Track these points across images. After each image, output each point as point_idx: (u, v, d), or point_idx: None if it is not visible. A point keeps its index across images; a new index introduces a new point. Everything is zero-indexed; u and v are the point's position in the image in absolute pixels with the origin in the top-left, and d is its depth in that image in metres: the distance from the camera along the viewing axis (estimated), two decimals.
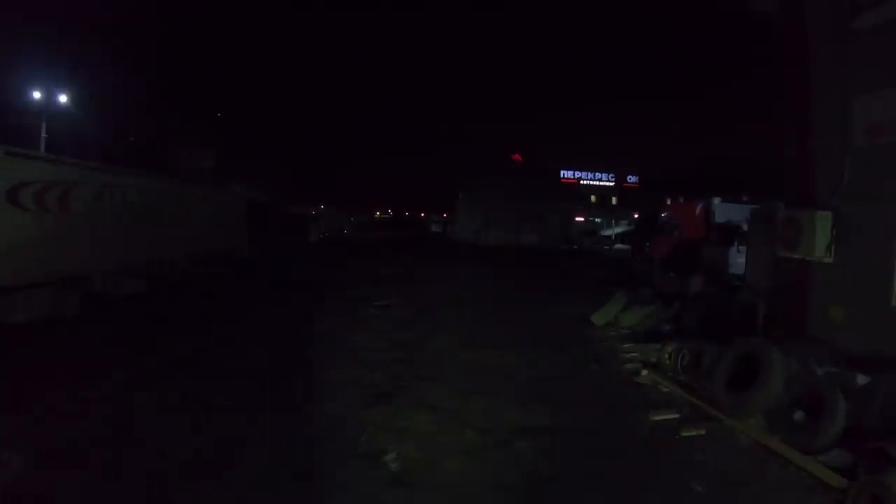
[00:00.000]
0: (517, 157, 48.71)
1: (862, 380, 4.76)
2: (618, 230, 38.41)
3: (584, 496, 3.92)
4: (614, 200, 51.13)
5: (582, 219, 47.49)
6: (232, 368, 6.67)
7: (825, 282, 5.86)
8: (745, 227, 9.95)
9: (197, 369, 6.62)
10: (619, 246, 33.36)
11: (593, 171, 51.16)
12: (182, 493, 3.71)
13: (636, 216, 32.20)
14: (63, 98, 22.39)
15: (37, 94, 21.63)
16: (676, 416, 5.38)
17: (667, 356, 6.73)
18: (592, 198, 50.94)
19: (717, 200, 13.42)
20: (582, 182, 51.11)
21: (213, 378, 6.24)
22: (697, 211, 13.84)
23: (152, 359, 6.99)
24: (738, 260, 10.53)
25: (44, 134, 21.19)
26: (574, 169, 50.65)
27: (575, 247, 38.40)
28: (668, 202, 16.22)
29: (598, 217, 47.77)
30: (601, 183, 51.76)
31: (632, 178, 52.64)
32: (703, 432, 4.99)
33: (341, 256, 25.15)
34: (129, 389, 5.81)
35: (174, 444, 4.48)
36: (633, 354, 7.67)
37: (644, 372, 6.76)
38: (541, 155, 49.44)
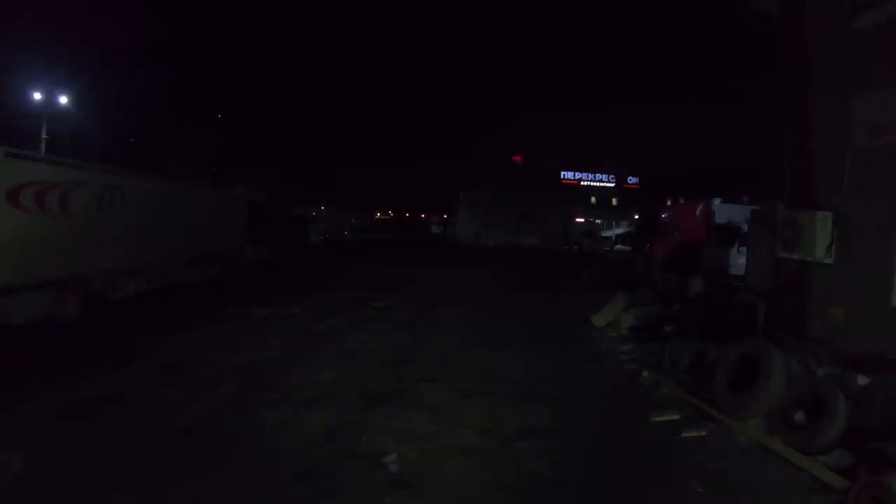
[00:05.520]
0: (517, 158, 48.72)
1: (862, 380, 4.75)
2: (618, 231, 38.37)
3: (584, 497, 3.92)
4: (615, 201, 51.10)
5: (582, 220, 47.47)
6: (229, 369, 6.66)
7: (825, 282, 5.86)
8: (745, 228, 9.94)
9: (195, 372, 6.61)
10: (619, 247, 33.33)
11: (593, 171, 51.15)
12: (184, 491, 3.71)
13: (636, 217, 32.16)
14: (63, 99, 22.41)
15: (37, 96, 21.66)
16: (677, 416, 5.38)
17: (667, 357, 6.73)
18: (593, 199, 50.92)
19: (717, 201, 13.43)
20: (582, 183, 51.09)
21: (211, 380, 6.23)
22: (698, 212, 13.85)
23: (152, 362, 6.98)
24: (738, 261, 10.54)
25: (44, 135, 21.22)
26: (574, 170, 50.65)
27: (575, 248, 38.38)
28: (669, 203, 16.22)
29: (598, 218, 47.74)
30: (601, 184, 51.74)
31: (632, 179, 52.62)
32: (703, 433, 4.99)
33: (342, 257, 25.14)
34: (126, 391, 5.81)
35: (165, 448, 4.48)
36: (634, 355, 7.67)
37: (644, 372, 6.76)
38: (541, 156, 49.48)
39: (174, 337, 8.26)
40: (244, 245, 19.13)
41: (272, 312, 10.31)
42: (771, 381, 4.93)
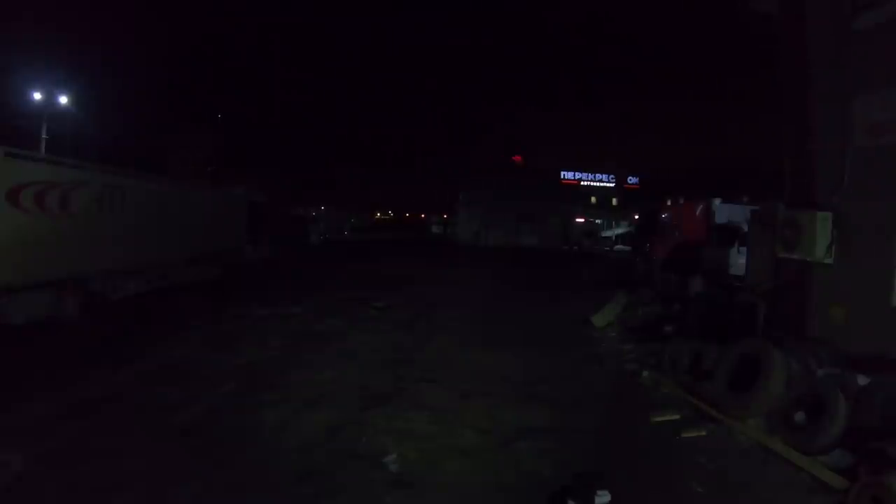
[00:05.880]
0: (517, 158, 48.73)
1: (862, 380, 4.75)
2: (618, 231, 38.38)
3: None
4: (615, 201, 51.08)
5: (582, 220, 47.46)
6: (229, 369, 6.66)
7: (825, 282, 5.86)
8: (745, 228, 9.94)
9: (195, 372, 6.61)
10: (619, 247, 33.35)
11: (593, 171, 51.15)
12: (184, 491, 3.71)
13: (636, 217, 32.20)
14: (63, 99, 22.39)
15: (37, 96, 21.64)
16: (677, 416, 5.38)
17: (667, 357, 6.73)
18: (593, 199, 50.90)
19: (717, 201, 13.42)
20: (582, 183, 51.07)
21: (211, 380, 6.23)
22: (698, 212, 13.85)
23: (152, 362, 6.98)
24: (738, 261, 10.54)
25: (44, 135, 21.21)
26: (574, 170, 50.64)
27: (575, 248, 38.39)
28: (669, 203, 16.22)
29: (598, 218, 47.74)
30: (602, 184, 51.73)
31: (632, 179, 52.61)
32: (703, 433, 4.99)
33: (342, 257, 25.14)
34: (126, 391, 5.81)
35: (165, 448, 4.48)
36: (634, 355, 7.67)
37: (644, 373, 6.76)
38: (541, 156, 49.48)
39: (174, 337, 8.26)
40: (244, 245, 19.13)
41: (272, 312, 10.31)
42: (771, 381, 4.93)
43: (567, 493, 1.90)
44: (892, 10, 5.30)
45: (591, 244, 37.67)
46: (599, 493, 1.82)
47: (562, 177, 50.29)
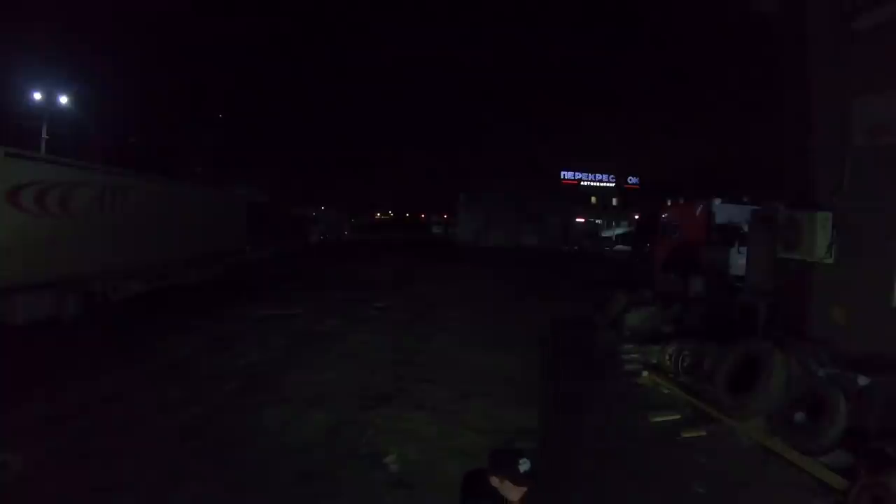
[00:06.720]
0: None
1: (862, 380, 4.74)
2: (618, 231, 38.41)
3: (585, 498, 3.91)
4: (615, 202, 51.10)
5: (582, 220, 47.47)
6: (230, 369, 6.67)
7: (825, 282, 5.85)
8: (745, 229, 9.93)
9: (195, 372, 6.61)
10: (619, 247, 33.37)
11: (594, 171, 51.16)
12: (184, 491, 3.71)
13: (636, 217, 32.29)
14: (64, 99, 22.38)
15: (38, 96, 21.63)
16: (677, 417, 5.38)
17: (667, 357, 6.72)
18: (593, 199, 50.92)
19: (717, 201, 13.40)
20: (582, 183, 51.08)
21: (211, 380, 6.23)
22: (698, 212, 13.83)
23: (152, 363, 6.98)
24: (738, 261, 10.53)
25: (45, 135, 21.20)
26: (574, 170, 50.65)
27: (575, 248, 38.40)
28: (669, 203, 16.21)
29: (598, 218, 47.75)
30: (602, 184, 51.73)
31: (632, 180, 52.60)
32: (703, 433, 4.99)
33: (342, 257, 25.14)
34: (127, 391, 5.82)
35: (165, 448, 4.48)
36: (634, 356, 7.65)
37: (645, 373, 6.75)
38: (541, 156, 49.49)
39: (174, 337, 8.26)
40: (244, 245, 19.13)
41: (272, 312, 10.31)
42: (771, 382, 4.93)
43: (486, 472, 1.89)
44: (892, 10, 5.30)
45: (591, 244, 37.68)
46: (521, 461, 1.81)
47: (562, 177, 50.30)
